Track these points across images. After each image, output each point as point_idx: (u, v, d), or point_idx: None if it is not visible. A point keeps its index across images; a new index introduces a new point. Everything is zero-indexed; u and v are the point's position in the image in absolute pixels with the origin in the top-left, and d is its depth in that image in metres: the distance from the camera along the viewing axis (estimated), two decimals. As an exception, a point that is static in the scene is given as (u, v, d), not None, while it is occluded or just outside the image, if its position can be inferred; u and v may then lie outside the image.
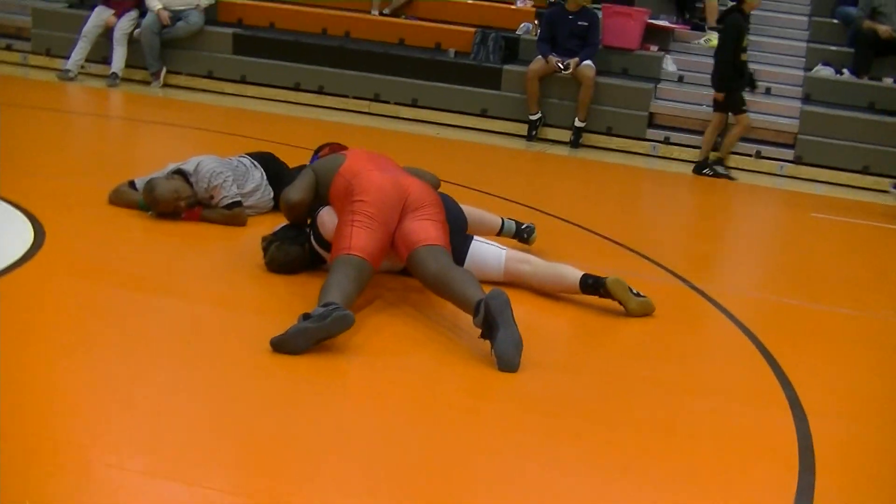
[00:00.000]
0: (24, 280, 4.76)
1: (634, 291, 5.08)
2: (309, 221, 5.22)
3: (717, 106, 10.16)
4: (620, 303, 5.04)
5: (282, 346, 4.16)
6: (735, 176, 10.02)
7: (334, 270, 4.54)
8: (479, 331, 4.32)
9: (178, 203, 5.79)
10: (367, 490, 3.25)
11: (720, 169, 10.04)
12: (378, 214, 4.72)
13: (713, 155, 10.11)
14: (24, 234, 5.30)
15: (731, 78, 10.01)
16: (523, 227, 5.96)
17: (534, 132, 10.85)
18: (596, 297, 5.08)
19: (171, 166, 5.99)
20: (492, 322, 4.24)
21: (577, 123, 10.76)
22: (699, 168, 10.06)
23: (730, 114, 10.11)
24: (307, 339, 4.17)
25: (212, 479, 3.21)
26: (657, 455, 3.73)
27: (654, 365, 4.61)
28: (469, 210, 5.57)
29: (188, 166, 5.90)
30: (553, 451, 3.67)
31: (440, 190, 5.31)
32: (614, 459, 3.66)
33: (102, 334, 4.28)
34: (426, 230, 4.75)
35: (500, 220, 5.88)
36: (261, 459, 3.38)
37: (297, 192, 5.10)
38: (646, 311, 5.09)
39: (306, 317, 4.21)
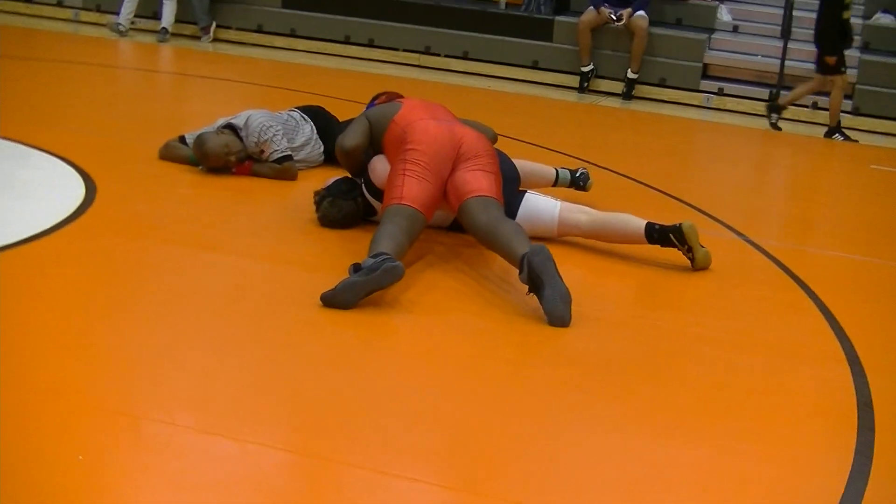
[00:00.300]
0: (75, 236, 4.77)
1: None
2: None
3: (827, 69, 9.51)
4: (690, 249, 4.94)
5: (332, 300, 4.14)
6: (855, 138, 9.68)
7: (385, 221, 4.50)
8: (526, 286, 4.26)
9: (228, 157, 5.77)
10: (414, 448, 3.23)
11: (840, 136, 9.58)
12: (431, 163, 4.66)
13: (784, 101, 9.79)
14: (76, 190, 5.32)
15: (840, 38, 9.48)
16: (577, 174, 5.87)
17: (585, 84, 10.72)
18: (657, 246, 4.98)
19: (221, 121, 5.97)
20: (536, 279, 4.18)
21: (630, 75, 10.61)
22: (830, 132, 9.62)
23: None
24: (357, 292, 4.14)
25: (260, 434, 3.20)
26: (709, 413, 3.67)
27: (709, 321, 4.54)
28: (521, 164, 5.49)
29: (238, 120, 5.88)
30: (602, 409, 3.63)
31: (520, 149, 5.28)
32: (664, 417, 3.60)
33: (153, 290, 4.28)
34: (478, 181, 4.68)
35: (555, 171, 5.80)
36: (308, 416, 3.37)
37: (351, 137, 5.02)
38: (708, 264, 5.02)
39: (356, 268, 4.18)
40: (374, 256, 4.20)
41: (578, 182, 5.86)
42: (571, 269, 4.65)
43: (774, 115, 9.75)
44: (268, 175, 5.86)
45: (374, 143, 5.05)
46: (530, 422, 3.47)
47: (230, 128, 5.88)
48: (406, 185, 4.60)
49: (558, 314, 4.19)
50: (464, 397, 3.62)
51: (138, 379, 3.49)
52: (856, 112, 10.27)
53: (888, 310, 4.98)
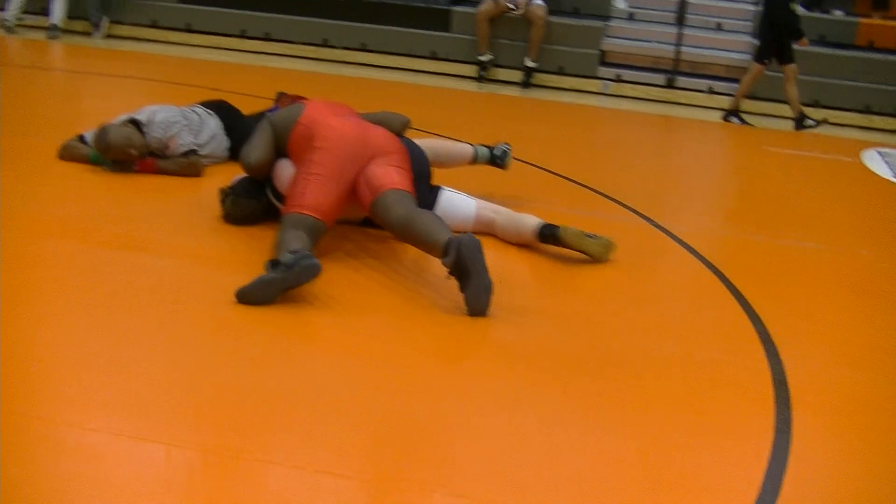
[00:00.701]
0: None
1: (590, 235, 4.95)
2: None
3: (785, 56, 9.64)
4: (580, 251, 4.95)
5: (247, 296, 4.09)
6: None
7: (285, 229, 4.43)
8: (447, 271, 4.23)
9: (129, 150, 5.65)
10: (339, 446, 3.20)
11: (809, 122, 9.73)
12: (337, 165, 4.60)
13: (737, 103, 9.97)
14: (-25, 194, 5.17)
15: (796, 23, 9.56)
16: (496, 151, 5.74)
17: (484, 73, 10.76)
18: (557, 247, 5.00)
19: (123, 117, 5.85)
20: (464, 268, 4.17)
21: (529, 63, 10.69)
22: (799, 123, 9.75)
23: (759, 63, 9.76)
24: (274, 289, 4.11)
25: (178, 435, 3.15)
26: (632, 396, 3.71)
27: (625, 307, 4.58)
28: (438, 144, 5.47)
29: (141, 116, 5.78)
30: (531, 399, 3.63)
31: (407, 133, 5.26)
32: (595, 405, 3.62)
33: (68, 292, 4.17)
34: (390, 175, 4.64)
35: (473, 149, 5.70)
36: (228, 415, 3.31)
37: (256, 152, 4.92)
38: (608, 251, 5.00)
39: (274, 264, 4.14)
40: (293, 252, 4.16)
41: (496, 160, 5.74)
42: (488, 255, 4.64)
43: (736, 119, 9.88)
44: (173, 171, 5.77)
45: (280, 148, 4.95)
46: (461, 414, 3.46)
47: (133, 123, 5.77)
48: (308, 192, 4.53)
49: (479, 306, 4.20)
50: (391, 392, 3.59)
51: (52, 382, 3.40)
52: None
53: (795, 290, 5.09)
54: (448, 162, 5.50)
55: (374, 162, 4.67)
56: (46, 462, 2.95)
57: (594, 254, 4.96)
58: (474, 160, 5.70)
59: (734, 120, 9.72)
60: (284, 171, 4.91)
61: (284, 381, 3.56)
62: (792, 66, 9.56)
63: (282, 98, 5.90)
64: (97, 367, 3.52)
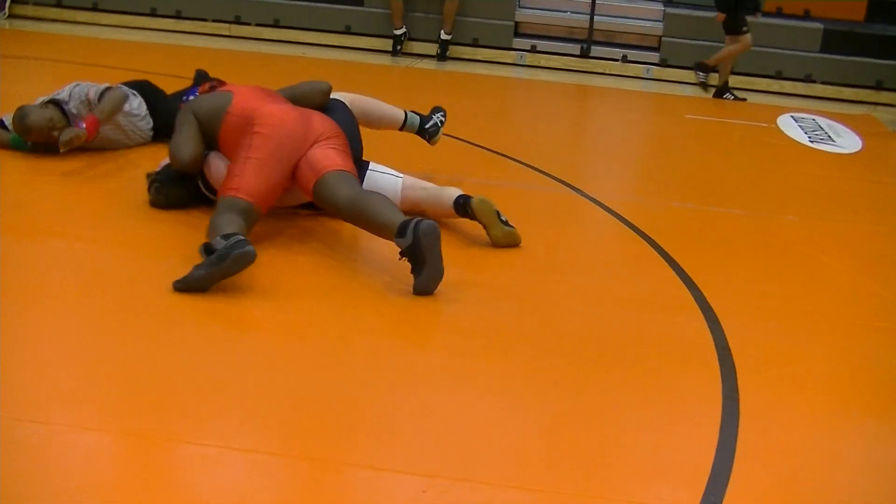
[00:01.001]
0: None
1: (503, 218, 4.82)
2: None
3: (725, 27, 9.69)
4: (484, 227, 4.80)
5: (185, 288, 4.03)
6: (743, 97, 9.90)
7: (219, 212, 4.36)
8: (399, 252, 4.20)
9: (51, 132, 5.49)
10: (280, 427, 3.19)
11: (729, 95, 9.79)
12: (276, 150, 4.53)
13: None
14: None
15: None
16: (428, 124, 5.64)
17: (399, 47, 10.69)
18: (468, 219, 4.87)
19: (40, 99, 5.70)
20: (420, 255, 4.13)
21: (444, 36, 10.63)
22: (720, 93, 9.77)
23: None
24: (210, 280, 4.05)
25: (114, 423, 3.12)
26: (584, 368, 3.74)
27: (563, 277, 4.61)
28: (370, 104, 5.39)
29: (62, 94, 5.63)
30: (480, 372, 3.65)
31: (335, 97, 5.18)
32: (543, 375, 3.65)
33: (2, 283, 4.06)
34: (332, 158, 4.58)
35: (404, 114, 5.57)
36: (164, 400, 3.27)
37: (187, 148, 4.78)
38: (511, 242, 4.83)
39: (207, 249, 4.08)
40: (225, 237, 4.09)
41: (426, 133, 5.62)
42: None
43: (702, 74, 9.95)
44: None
45: (209, 139, 4.83)
46: (414, 390, 3.46)
47: (54, 103, 5.62)
48: (245, 176, 4.44)
49: (427, 290, 4.20)
50: (340, 372, 3.57)
51: (2, 379, 3.31)
52: (664, 63, 10.59)
53: (726, 255, 5.17)
54: (376, 123, 5.41)
55: (314, 146, 4.62)
56: (15, 463, 2.87)
57: (493, 237, 4.80)
58: (402, 126, 5.58)
59: (728, 96, 9.75)
60: (215, 163, 4.82)
61: (223, 365, 3.53)
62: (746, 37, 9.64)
63: (202, 82, 5.77)
64: (53, 363, 3.45)
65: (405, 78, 9.95)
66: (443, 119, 5.72)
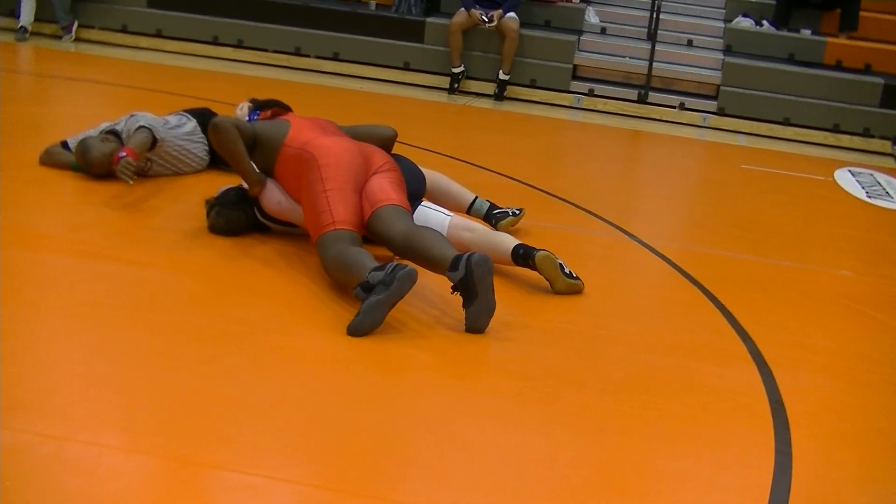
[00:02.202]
0: (-39, 248, 4.55)
1: (567, 271, 4.80)
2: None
3: None
4: (548, 280, 4.80)
5: (361, 326, 4.05)
6: None
7: (336, 249, 4.37)
8: (451, 286, 4.21)
9: (111, 166, 5.57)
10: (324, 459, 3.19)
11: None
12: (347, 177, 4.57)
13: None
14: (-47, 201, 5.08)
15: None
16: (496, 211, 5.57)
17: (456, 85, 10.74)
18: (528, 269, 4.83)
19: (104, 125, 5.78)
20: (472, 287, 4.13)
21: (502, 76, 10.68)
22: None
23: None
24: (382, 309, 4.06)
25: (190, 452, 3.10)
26: (631, 416, 3.71)
27: (615, 323, 4.58)
28: (437, 180, 5.40)
29: (120, 126, 5.70)
30: (527, 415, 3.62)
31: (397, 151, 5.22)
32: (590, 421, 3.62)
33: (57, 304, 4.10)
34: (387, 191, 4.63)
35: (472, 197, 5.54)
36: (237, 431, 3.26)
37: (230, 120, 4.85)
38: (572, 291, 4.80)
39: (365, 287, 4.09)
40: (379, 270, 4.10)
41: (492, 219, 5.50)
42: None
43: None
44: (136, 148, 5.51)
45: (264, 161, 4.89)
46: (460, 429, 3.44)
47: (113, 134, 5.69)
48: (334, 208, 4.49)
49: (478, 325, 4.20)
50: (386, 407, 3.57)
51: (54, 399, 3.33)
52: (721, 112, 10.54)
53: (779, 307, 5.10)
54: (441, 199, 5.38)
55: (372, 178, 4.66)
56: (66, 484, 2.88)
57: (559, 290, 4.78)
58: (468, 210, 5.51)
59: None
60: (270, 189, 4.88)
61: (271, 395, 3.53)
62: None
63: (264, 108, 5.83)
64: (106, 385, 3.47)
65: (461, 116, 9.98)
66: (517, 212, 5.57)
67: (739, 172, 8.61)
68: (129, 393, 3.43)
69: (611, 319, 4.62)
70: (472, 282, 4.13)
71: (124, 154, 5.32)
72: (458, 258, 4.18)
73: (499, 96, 10.68)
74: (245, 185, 4.99)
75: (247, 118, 5.33)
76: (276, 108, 5.39)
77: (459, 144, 8.13)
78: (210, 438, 3.20)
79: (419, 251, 4.40)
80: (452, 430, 3.42)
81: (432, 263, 4.34)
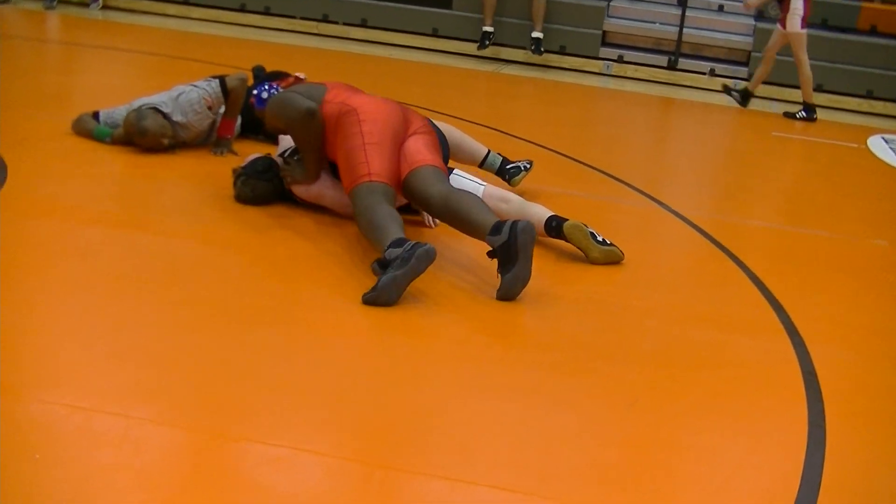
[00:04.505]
0: (-11, 219, 4.54)
1: (599, 238, 4.74)
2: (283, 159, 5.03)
3: None
4: (580, 249, 4.74)
5: (376, 300, 4.01)
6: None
7: (368, 203, 4.34)
8: (490, 250, 4.19)
9: (162, 140, 5.56)
10: (376, 433, 3.16)
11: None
12: (386, 133, 4.54)
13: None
14: (-17, 170, 5.07)
15: None
16: (509, 166, 5.51)
17: (487, 43, 10.60)
18: (562, 241, 4.79)
19: (139, 101, 5.70)
20: (513, 253, 4.10)
21: (535, 34, 10.52)
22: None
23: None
24: (399, 286, 4.02)
25: (218, 425, 3.09)
26: (663, 388, 3.67)
27: (648, 294, 4.53)
28: (453, 134, 5.35)
29: (166, 106, 5.62)
30: (557, 388, 3.58)
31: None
32: (621, 395, 3.57)
33: (84, 274, 4.09)
34: (423, 152, 4.61)
35: (486, 151, 5.50)
36: (265, 405, 3.24)
37: (304, 100, 4.70)
38: (611, 260, 4.76)
39: (381, 263, 4.07)
40: (398, 245, 4.07)
41: (505, 174, 5.48)
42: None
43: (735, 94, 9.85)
44: (238, 104, 5.82)
45: None
46: (485, 402, 3.40)
47: (159, 111, 5.63)
48: (371, 160, 4.45)
49: (511, 293, 4.17)
50: (417, 380, 3.54)
51: (83, 371, 3.33)
52: (751, 78, 10.41)
53: (815, 278, 5.05)
54: (456, 154, 5.35)
55: (409, 139, 4.64)
56: (96, 455, 2.87)
57: (593, 259, 4.73)
58: (482, 163, 5.48)
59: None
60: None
61: (300, 367, 3.51)
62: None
63: (280, 77, 5.78)
64: (133, 357, 3.45)
65: (490, 83, 9.92)
66: (528, 166, 5.57)
67: (771, 140, 8.52)
68: (156, 365, 3.41)
69: (642, 290, 4.57)
70: (515, 248, 4.10)
71: (228, 136, 5.79)
72: (500, 223, 4.17)
73: (537, 50, 10.49)
74: (280, 161, 4.98)
75: (266, 94, 5.23)
76: (283, 76, 5.35)
77: (489, 112, 8.08)
78: (237, 411, 3.18)
79: (460, 214, 4.37)
80: (481, 404, 3.39)
81: (472, 227, 4.32)
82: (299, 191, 4.93)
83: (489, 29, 10.62)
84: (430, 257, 4.04)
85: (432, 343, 3.85)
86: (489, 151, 5.50)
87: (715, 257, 5.13)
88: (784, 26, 9.26)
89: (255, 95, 5.09)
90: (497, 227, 4.16)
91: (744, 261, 5.04)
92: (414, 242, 4.04)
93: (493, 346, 3.90)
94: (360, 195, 4.39)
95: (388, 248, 4.08)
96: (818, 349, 4.08)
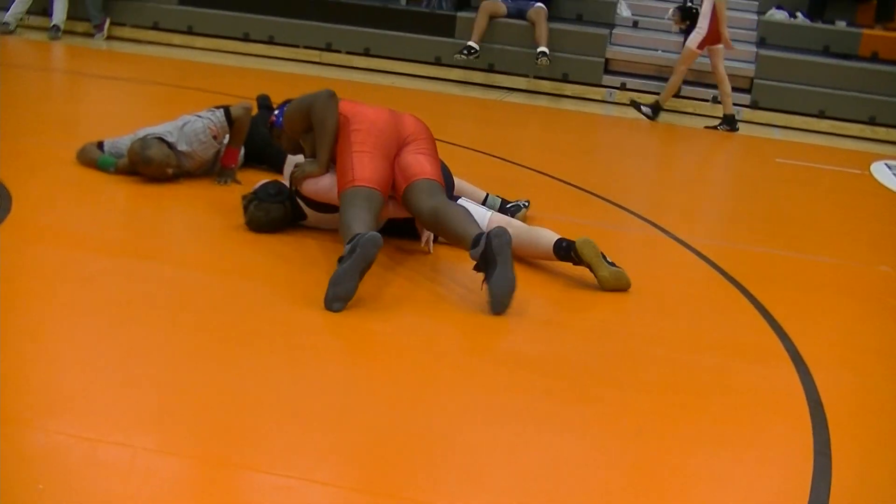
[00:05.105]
0: (-5, 247, 4.55)
1: (609, 260, 4.75)
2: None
3: None
4: (590, 268, 4.71)
5: (333, 297, 4.13)
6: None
7: (346, 205, 4.49)
8: (474, 264, 4.30)
9: (166, 169, 5.57)
10: (345, 457, 3.16)
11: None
12: (377, 143, 4.67)
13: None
14: (-12, 199, 5.09)
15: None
16: (509, 205, 5.52)
17: (465, 53, 10.57)
18: (570, 264, 4.77)
19: (143, 131, 5.71)
20: (490, 258, 4.21)
21: (541, 49, 10.49)
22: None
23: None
24: (351, 276, 4.13)
25: (222, 453, 3.08)
26: (670, 415, 3.66)
27: (652, 321, 4.53)
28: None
29: (171, 136, 5.63)
30: (564, 413, 3.58)
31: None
32: (627, 422, 3.57)
33: (90, 303, 4.09)
34: (422, 164, 4.72)
35: (485, 194, 5.51)
36: (269, 431, 3.24)
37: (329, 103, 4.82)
38: (619, 285, 4.74)
39: (341, 260, 4.18)
40: (349, 241, 4.19)
41: (507, 213, 5.40)
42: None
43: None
44: (243, 132, 5.86)
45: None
46: (492, 429, 3.40)
47: (164, 142, 5.64)
48: (356, 167, 4.59)
49: (500, 297, 4.24)
50: (423, 407, 3.53)
51: (88, 400, 3.32)
52: (754, 105, 10.45)
53: (817, 305, 5.04)
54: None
55: (406, 148, 4.75)
56: (100, 485, 2.86)
57: (601, 279, 4.71)
58: (482, 205, 5.39)
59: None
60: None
61: (306, 395, 3.50)
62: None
63: (267, 106, 5.80)
64: (138, 386, 3.44)
65: (493, 111, 9.95)
66: (526, 204, 5.60)
67: (774, 166, 8.54)
68: (162, 394, 3.41)
69: (647, 317, 4.57)
70: (491, 253, 4.19)
71: (233, 166, 5.84)
72: (479, 235, 4.27)
73: (546, 61, 10.44)
74: (292, 171, 5.01)
75: (277, 117, 5.26)
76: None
77: (492, 140, 8.09)
78: (244, 439, 3.18)
79: (444, 227, 4.53)
80: (487, 431, 3.38)
81: (458, 239, 4.45)
82: (309, 189, 4.91)
83: (473, 45, 10.58)
84: (376, 243, 4.16)
85: (438, 370, 3.85)
86: (488, 194, 5.53)
87: (719, 284, 5.13)
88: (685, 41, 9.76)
89: (276, 116, 5.18)
90: (476, 240, 4.27)
91: (747, 287, 5.04)
92: (359, 233, 4.17)
93: (499, 372, 3.89)
94: (343, 200, 4.53)
95: (346, 247, 4.20)
96: (823, 376, 4.07)
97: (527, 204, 5.62)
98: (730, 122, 9.70)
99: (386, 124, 4.75)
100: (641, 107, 9.93)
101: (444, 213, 4.54)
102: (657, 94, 10.41)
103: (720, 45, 9.57)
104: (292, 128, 5.01)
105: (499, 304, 4.25)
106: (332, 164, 4.87)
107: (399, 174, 4.70)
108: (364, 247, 4.13)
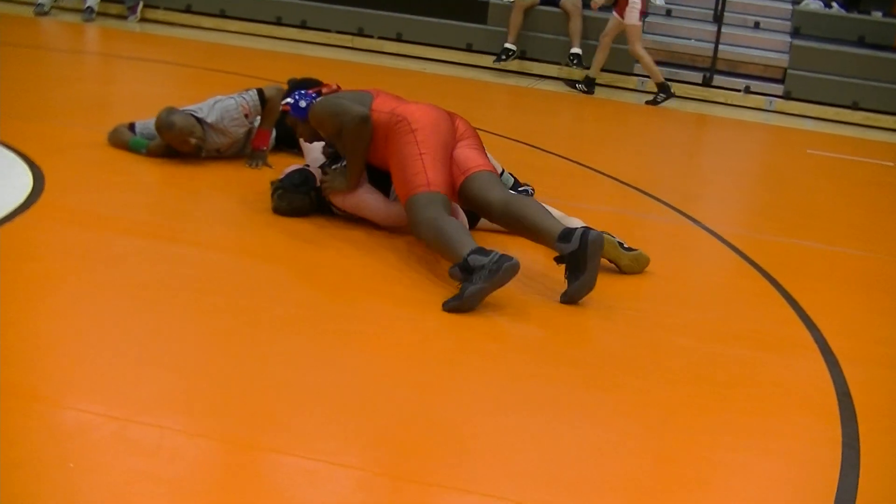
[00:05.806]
0: (26, 228, 4.59)
1: (625, 246, 4.79)
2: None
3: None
4: (610, 260, 4.76)
5: (459, 308, 4.11)
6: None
7: (433, 214, 4.37)
8: (558, 255, 4.30)
9: (188, 139, 5.56)
10: (404, 445, 3.16)
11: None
12: (439, 143, 4.57)
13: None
14: (22, 180, 5.12)
15: None
16: (521, 187, 5.48)
17: (503, 58, 10.56)
18: None
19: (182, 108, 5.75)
20: (582, 262, 4.21)
21: (574, 51, 10.49)
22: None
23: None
24: (482, 295, 4.12)
25: (250, 435, 3.10)
26: (695, 406, 3.65)
27: (680, 312, 4.51)
28: None
29: (202, 112, 5.66)
30: (590, 403, 3.58)
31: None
32: (652, 411, 3.56)
33: (118, 284, 4.11)
34: (476, 158, 4.66)
35: (500, 170, 5.45)
36: (295, 416, 3.25)
37: (359, 107, 4.72)
38: (640, 266, 4.80)
39: (463, 268, 4.13)
40: (482, 253, 4.12)
41: (521, 194, 5.34)
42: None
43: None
44: (274, 115, 5.83)
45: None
46: (517, 416, 3.40)
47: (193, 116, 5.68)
48: (428, 171, 4.48)
49: (575, 299, 4.30)
50: (448, 393, 3.54)
51: (117, 380, 3.35)
52: (787, 96, 10.38)
53: (850, 297, 5.01)
54: None
55: (458, 144, 4.69)
56: (129, 465, 2.88)
57: (624, 267, 4.77)
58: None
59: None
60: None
61: (333, 380, 3.52)
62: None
63: (315, 85, 5.81)
64: (166, 367, 3.47)
65: (525, 98, 9.92)
66: (531, 191, 5.49)
67: (805, 158, 8.49)
68: (189, 375, 3.43)
69: (674, 307, 4.56)
70: (584, 257, 4.19)
71: (264, 148, 5.86)
72: (570, 230, 4.24)
73: (579, 65, 10.45)
74: (319, 173, 5.00)
75: (305, 102, 5.21)
76: (316, 83, 5.34)
77: (523, 127, 8.07)
78: (270, 422, 3.20)
79: (524, 220, 4.43)
80: (512, 419, 3.39)
81: (537, 233, 4.39)
82: (338, 200, 4.94)
83: (511, 46, 10.59)
84: (515, 271, 4.12)
85: (464, 357, 3.85)
86: (503, 170, 5.48)
87: (747, 275, 5.10)
88: (622, 16, 9.81)
89: (292, 104, 5.04)
90: (566, 235, 4.23)
91: (776, 278, 5.01)
92: (501, 254, 4.11)
93: (524, 361, 3.89)
94: (420, 205, 4.43)
95: (470, 255, 4.13)
96: (852, 368, 4.05)
97: (531, 191, 5.54)
98: (665, 90, 9.94)
99: (442, 123, 4.65)
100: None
101: (518, 205, 4.47)
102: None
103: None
104: (320, 127, 4.93)
105: (571, 300, 4.30)
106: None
107: (454, 168, 4.61)
108: (506, 272, 4.09)
